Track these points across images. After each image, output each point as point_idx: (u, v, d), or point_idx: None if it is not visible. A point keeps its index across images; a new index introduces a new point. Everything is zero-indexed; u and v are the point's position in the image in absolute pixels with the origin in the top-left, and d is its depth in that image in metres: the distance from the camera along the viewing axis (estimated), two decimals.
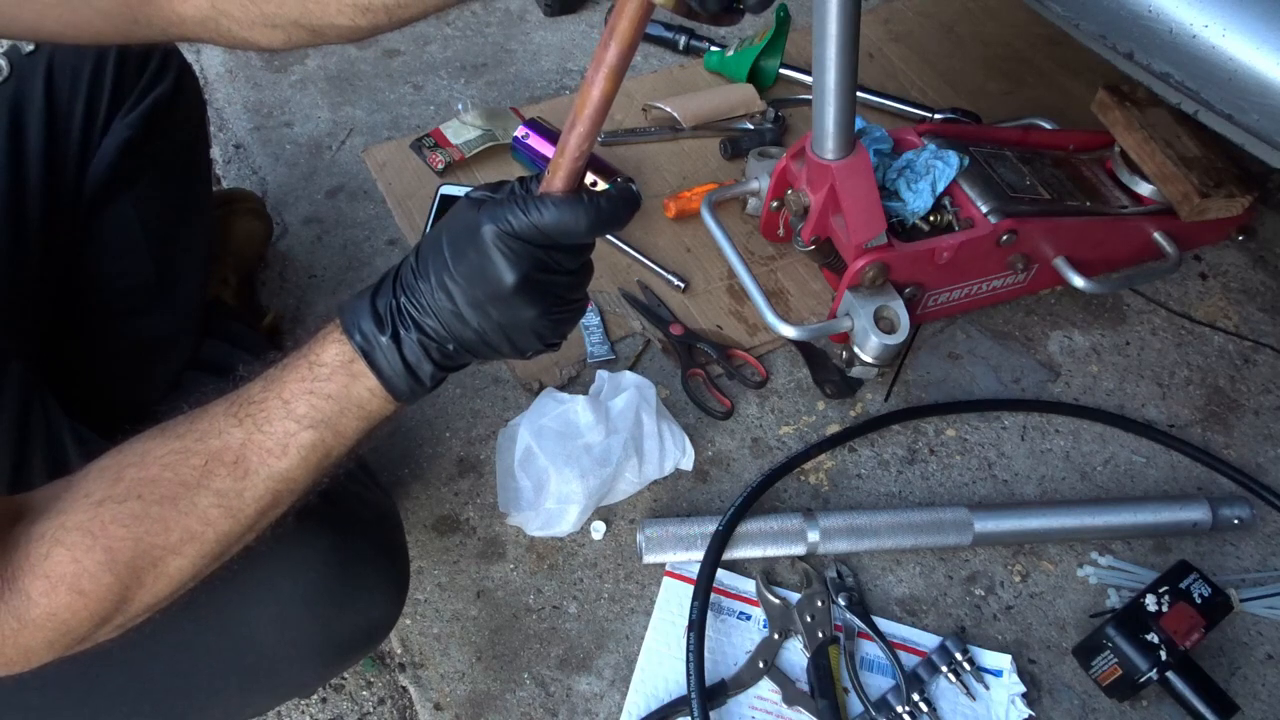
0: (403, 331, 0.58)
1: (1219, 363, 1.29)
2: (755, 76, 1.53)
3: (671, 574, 1.02)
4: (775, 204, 1.24)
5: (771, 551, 1.03)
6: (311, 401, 0.58)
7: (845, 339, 1.17)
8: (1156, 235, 1.30)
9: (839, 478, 1.13)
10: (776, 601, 1.00)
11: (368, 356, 0.58)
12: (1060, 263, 1.23)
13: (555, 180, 0.58)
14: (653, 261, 1.29)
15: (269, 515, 0.61)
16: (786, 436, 1.16)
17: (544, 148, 1.34)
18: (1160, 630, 0.93)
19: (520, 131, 1.36)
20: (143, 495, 0.57)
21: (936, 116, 1.49)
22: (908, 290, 1.17)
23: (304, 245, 1.32)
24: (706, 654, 0.93)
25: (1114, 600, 1.05)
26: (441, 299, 0.57)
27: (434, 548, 1.04)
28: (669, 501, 1.09)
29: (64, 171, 0.90)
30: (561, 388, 1.15)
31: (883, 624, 1.00)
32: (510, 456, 1.02)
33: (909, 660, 0.98)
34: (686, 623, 0.95)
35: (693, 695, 0.90)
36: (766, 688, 0.96)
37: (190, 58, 1.33)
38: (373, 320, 0.58)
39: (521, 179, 0.60)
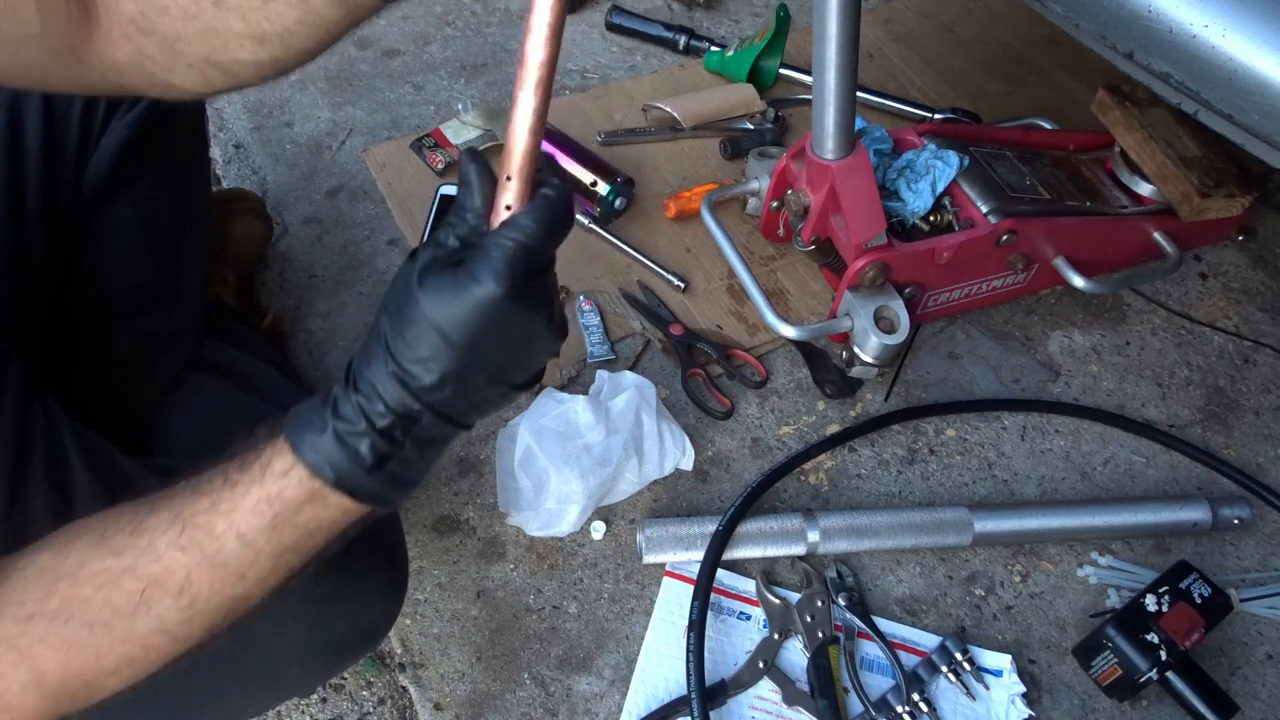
0: (382, 445, 0.52)
1: (1219, 363, 1.29)
2: (755, 76, 1.53)
3: (671, 574, 1.02)
4: (775, 204, 1.24)
5: (771, 551, 1.02)
6: (276, 535, 0.53)
7: (845, 339, 1.17)
8: (1156, 235, 1.30)
9: (839, 478, 1.13)
10: (776, 601, 1.00)
11: (341, 486, 0.52)
12: (1060, 263, 1.23)
13: (509, 196, 0.53)
14: (653, 261, 1.29)
15: (224, 629, 0.56)
16: (786, 436, 1.16)
17: (544, 147, 1.34)
18: (1160, 630, 0.93)
19: None
20: (74, 617, 0.52)
21: (936, 116, 1.49)
22: (908, 290, 1.17)
23: (304, 245, 1.32)
24: (706, 654, 0.93)
25: (1114, 600, 1.05)
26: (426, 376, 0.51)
27: (434, 548, 1.04)
28: (669, 501, 1.09)
29: (62, 171, 0.90)
30: (561, 388, 1.15)
31: (883, 624, 1.00)
32: (510, 456, 1.02)
33: (909, 660, 0.98)
34: (686, 623, 0.95)
35: (693, 695, 0.90)
36: (766, 688, 0.96)
37: None
38: (342, 450, 0.52)
39: (451, 218, 0.53)
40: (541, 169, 0.54)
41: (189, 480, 0.56)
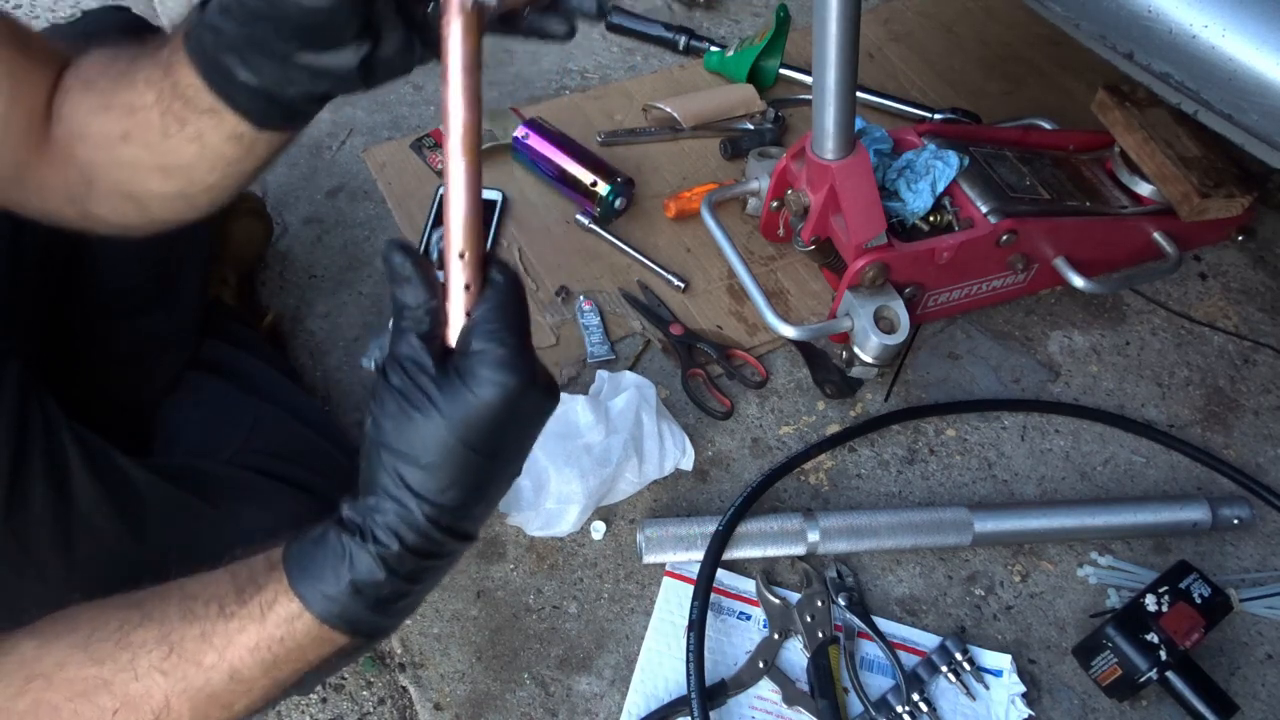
0: (400, 586, 0.51)
1: (1219, 363, 1.29)
2: (755, 76, 1.53)
3: (671, 574, 1.02)
4: (775, 204, 1.24)
5: (771, 551, 1.02)
6: (274, 672, 0.52)
7: (845, 339, 1.17)
8: (1156, 235, 1.30)
9: (839, 478, 1.13)
10: (776, 601, 1.00)
11: (354, 631, 0.52)
12: (1060, 263, 1.23)
13: (465, 274, 0.50)
14: (653, 261, 1.29)
15: None
16: (786, 436, 1.16)
17: (544, 148, 1.34)
18: (1160, 630, 0.93)
19: (520, 131, 1.36)
20: None
21: (936, 116, 1.49)
22: (908, 290, 1.17)
23: (304, 245, 1.32)
24: (706, 654, 0.93)
25: (1114, 600, 1.05)
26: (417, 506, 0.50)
27: None
28: (669, 501, 1.09)
29: None
30: (562, 388, 1.14)
31: (883, 624, 1.00)
32: None
33: (909, 660, 0.98)
34: (686, 623, 0.95)
35: (693, 695, 0.90)
36: (766, 688, 0.96)
37: None
38: (357, 599, 0.51)
39: (404, 322, 0.50)
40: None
41: (180, 593, 0.54)
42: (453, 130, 0.49)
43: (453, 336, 0.50)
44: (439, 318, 0.50)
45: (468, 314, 0.50)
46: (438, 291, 0.50)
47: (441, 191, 0.50)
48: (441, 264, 0.51)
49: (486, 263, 0.50)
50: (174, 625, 0.53)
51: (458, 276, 0.50)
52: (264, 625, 0.51)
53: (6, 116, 0.62)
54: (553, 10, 0.56)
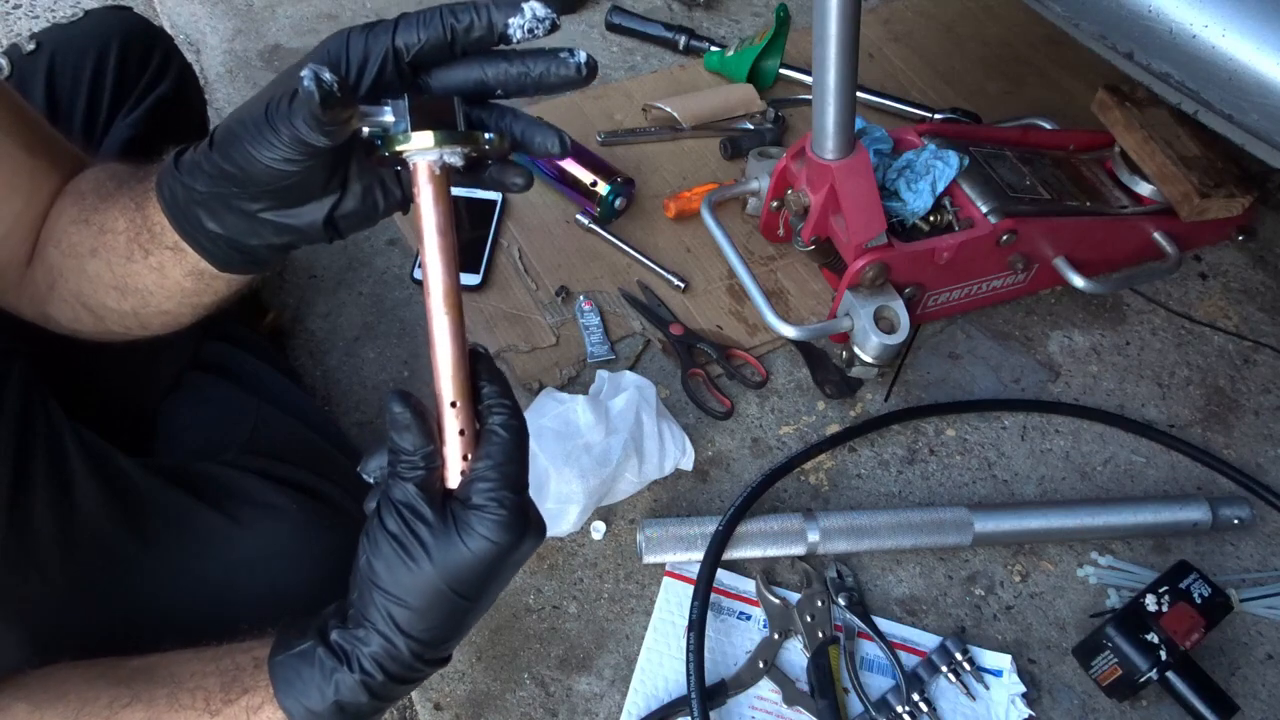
0: (377, 704, 0.55)
1: (1219, 363, 1.29)
2: (755, 76, 1.53)
3: (671, 574, 1.02)
4: (775, 204, 1.24)
5: (771, 551, 1.03)
6: None
7: (845, 339, 1.17)
8: (1156, 235, 1.30)
9: (839, 478, 1.13)
10: (776, 601, 1.00)
11: None
12: (1060, 263, 1.23)
13: (459, 421, 0.53)
14: (653, 261, 1.29)
15: None
16: (786, 436, 1.16)
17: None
18: (1160, 630, 0.93)
19: None
20: None
21: (936, 116, 1.50)
22: (908, 290, 1.17)
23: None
24: (706, 654, 0.93)
25: (1114, 600, 1.05)
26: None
27: None
28: (669, 501, 1.09)
29: None
30: (561, 388, 1.15)
31: (883, 624, 1.01)
32: None
33: (909, 660, 0.98)
34: (686, 623, 0.95)
35: (693, 695, 0.90)
36: (766, 688, 0.96)
37: (190, 57, 1.33)
38: (339, 715, 0.55)
39: (400, 469, 0.52)
40: (481, 379, 0.54)
41: (169, 678, 0.57)
42: (433, 290, 0.52)
43: (451, 478, 0.54)
44: (435, 461, 0.53)
45: (464, 457, 0.53)
46: (435, 439, 0.53)
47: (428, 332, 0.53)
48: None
49: (476, 404, 0.54)
50: (160, 712, 0.56)
51: (452, 424, 0.53)
52: None
53: (20, 216, 0.65)
54: (511, 163, 0.59)
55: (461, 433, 0.53)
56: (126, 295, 0.64)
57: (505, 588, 0.57)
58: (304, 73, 0.47)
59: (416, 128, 0.52)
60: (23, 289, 0.68)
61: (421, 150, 0.52)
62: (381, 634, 0.53)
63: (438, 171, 0.53)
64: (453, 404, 0.53)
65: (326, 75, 0.48)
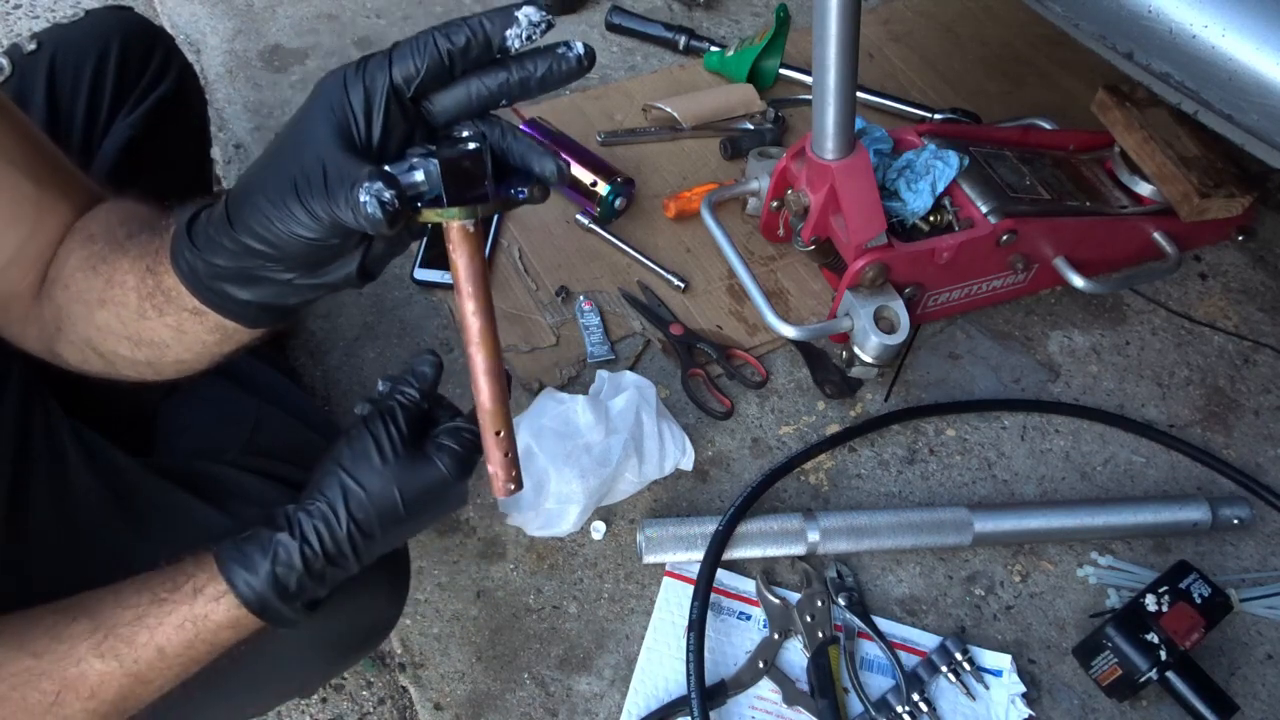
0: (307, 582, 0.60)
1: (1219, 363, 1.29)
2: (755, 76, 1.53)
3: (671, 574, 1.02)
4: (775, 204, 1.24)
5: (771, 551, 1.03)
6: (190, 651, 0.59)
7: (845, 339, 1.17)
8: (1156, 235, 1.30)
9: (839, 478, 1.13)
10: (776, 601, 1.00)
11: (263, 614, 0.60)
12: (1060, 263, 1.23)
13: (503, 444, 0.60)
14: (653, 261, 1.29)
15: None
16: (786, 436, 1.16)
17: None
18: (1160, 630, 0.93)
19: None
20: None
21: (936, 116, 1.50)
22: (908, 290, 1.17)
23: None
24: (706, 654, 0.93)
25: (1114, 600, 1.05)
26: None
27: (434, 548, 1.04)
28: (669, 501, 1.09)
29: None
30: (561, 388, 1.15)
31: (883, 624, 1.00)
32: None
33: (909, 660, 0.98)
34: (686, 623, 0.95)
35: (693, 695, 0.90)
36: (766, 688, 0.96)
37: (190, 57, 1.33)
38: (272, 585, 0.59)
39: (405, 388, 0.65)
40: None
41: (111, 592, 0.60)
42: (472, 338, 0.56)
43: (498, 490, 0.61)
44: (427, 402, 0.65)
45: (510, 474, 0.60)
46: (433, 385, 0.65)
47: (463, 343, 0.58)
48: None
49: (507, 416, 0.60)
50: (107, 614, 0.59)
51: (497, 448, 0.60)
52: (193, 605, 0.58)
53: (24, 248, 0.63)
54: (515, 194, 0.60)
55: (506, 454, 0.59)
56: (140, 346, 0.63)
57: (420, 528, 0.65)
58: (364, 198, 0.47)
59: (452, 199, 0.52)
60: (28, 324, 0.67)
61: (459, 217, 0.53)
62: (329, 503, 0.60)
63: (471, 230, 0.54)
64: (497, 433, 0.59)
65: (387, 195, 0.48)
